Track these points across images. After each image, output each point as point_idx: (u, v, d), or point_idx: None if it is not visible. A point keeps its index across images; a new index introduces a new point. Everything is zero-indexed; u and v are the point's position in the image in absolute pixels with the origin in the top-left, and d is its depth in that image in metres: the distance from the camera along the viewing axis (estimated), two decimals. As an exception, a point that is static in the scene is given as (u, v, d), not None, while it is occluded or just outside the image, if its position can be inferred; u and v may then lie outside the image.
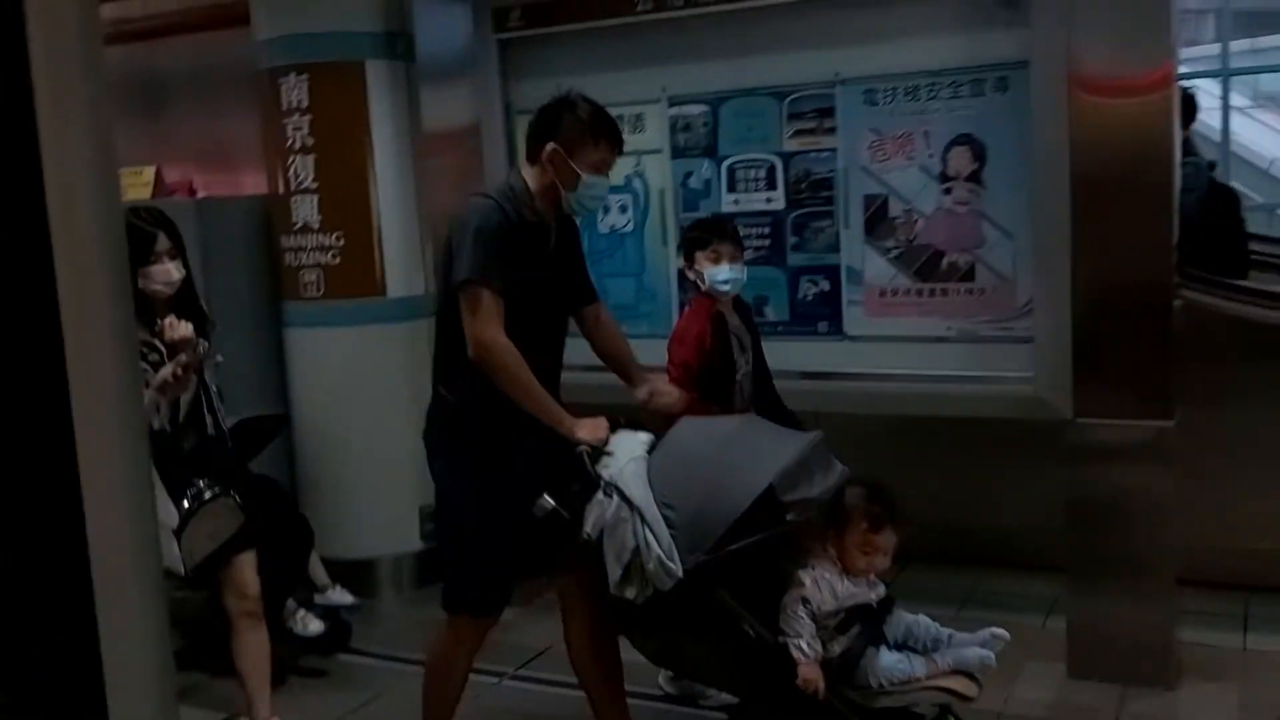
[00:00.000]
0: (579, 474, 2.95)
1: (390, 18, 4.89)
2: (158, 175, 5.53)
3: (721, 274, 3.65)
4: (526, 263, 3.05)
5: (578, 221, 3.39)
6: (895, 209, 4.16)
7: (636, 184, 4.65)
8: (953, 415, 4.09)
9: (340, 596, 4.49)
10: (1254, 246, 5.69)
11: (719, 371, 3.63)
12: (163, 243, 3.43)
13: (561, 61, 4.66)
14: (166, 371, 3.27)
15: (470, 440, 3.09)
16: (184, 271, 3.48)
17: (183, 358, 3.30)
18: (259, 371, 5.09)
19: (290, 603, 4.31)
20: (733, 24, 4.30)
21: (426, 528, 5.09)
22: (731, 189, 4.46)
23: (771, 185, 4.39)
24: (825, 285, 4.33)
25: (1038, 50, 3.78)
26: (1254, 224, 11.03)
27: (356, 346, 4.96)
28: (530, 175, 3.14)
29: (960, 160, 4.02)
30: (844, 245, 4.27)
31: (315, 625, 4.32)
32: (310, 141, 4.85)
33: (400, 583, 5.03)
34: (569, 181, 3.09)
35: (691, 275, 3.74)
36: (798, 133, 4.31)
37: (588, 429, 3.00)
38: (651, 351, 4.59)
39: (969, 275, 4.06)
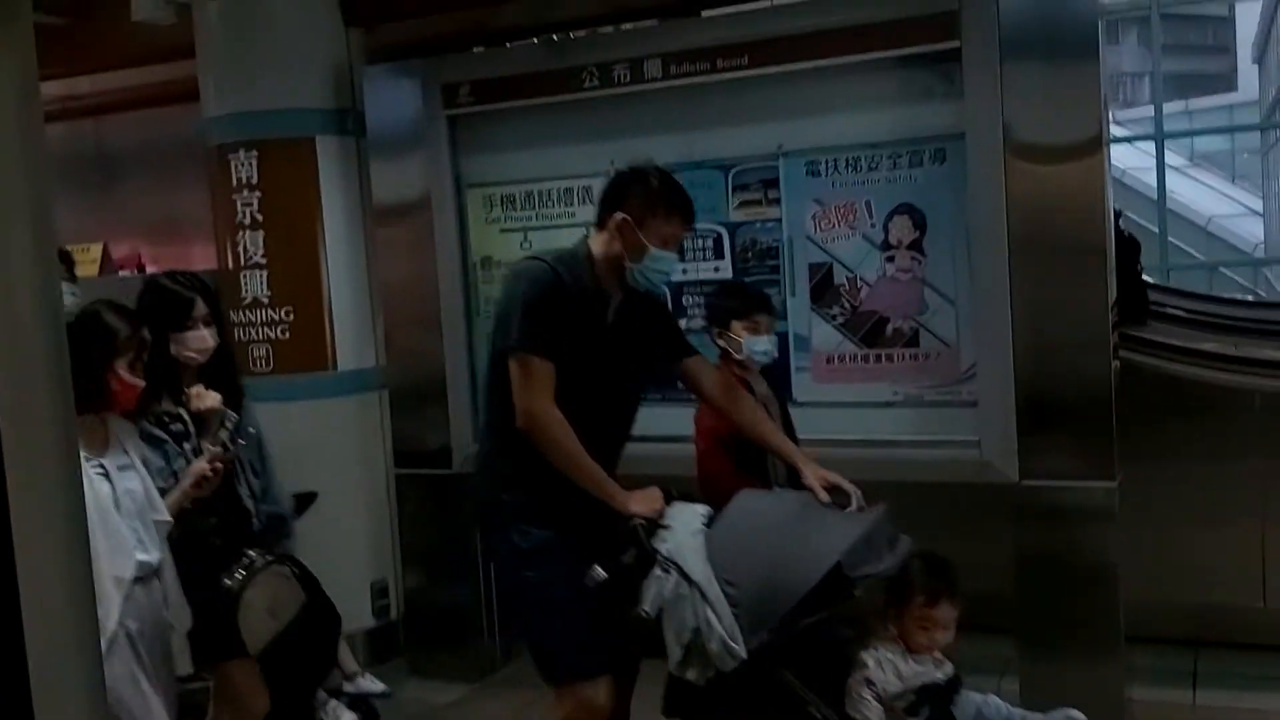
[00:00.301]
0: (634, 548, 2.85)
1: (340, 94, 4.94)
2: (105, 252, 5.51)
3: (761, 345, 3.62)
4: (580, 331, 2.98)
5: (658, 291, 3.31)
6: (840, 277, 4.23)
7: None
8: (901, 480, 4.13)
9: (370, 684, 4.28)
10: (1190, 305, 5.83)
11: (749, 441, 3.46)
12: (200, 308, 3.33)
13: (511, 136, 4.73)
14: (203, 466, 3.14)
15: (527, 505, 3.02)
16: (219, 339, 3.38)
17: (217, 449, 3.16)
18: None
19: (321, 693, 4.03)
20: (678, 99, 4.38)
21: (379, 604, 5.04)
22: (680, 258, 4.51)
23: (719, 254, 4.46)
24: (774, 352, 4.36)
25: (973, 122, 3.88)
26: (1193, 282, 11.34)
27: (307, 421, 4.92)
28: (597, 242, 3.08)
29: (901, 229, 4.10)
30: (790, 312, 4.33)
31: (348, 717, 4.04)
32: (260, 217, 4.86)
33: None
34: (635, 253, 3.03)
35: (722, 343, 3.66)
36: (743, 203, 4.39)
37: (641, 501, 2.92)
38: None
39: (913, 341, 4.13)
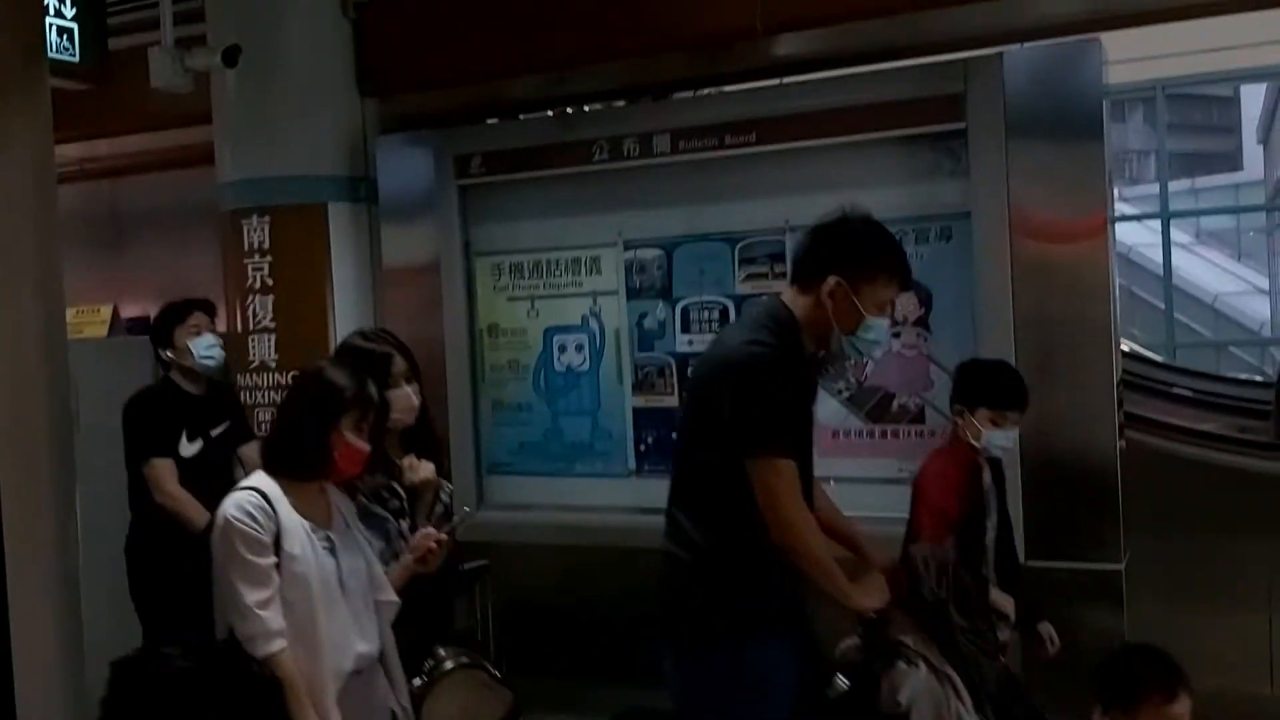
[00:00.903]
0: (871, 642, 2.67)
1: (354, 162, 5.00)
2: (114, 313, 5.55)
3: (1001, 439, 3.33)
4: (802, 411, 2.72)
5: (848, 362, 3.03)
6: (846, 351, 4.24)
7: (593, 324, 4.72)
8: (906, 556, 4.10)
9: None
10: (1197, 385, 5.82)
11: (968, 531, 3.24)
12: (399, 364, 3.07)
13: (521, 205, 4.78)
14: (432, 537, 2.85)
15: (754, 620, 2.66)
16: (422, 397, 3.10)
17: (454, 521, 2.90)
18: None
19: None
20: (686, 172, 4.44)
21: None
22: (685, 330, 4.53)
23: (724, 326, 4.47)
24: (779, 425, 4.37)
25: (979, 200, 3.92)
26: (1201, 360, 11.34)
27: (310, 485, 4.91)
28: (799, 306, 2.72)
29: (907, 305, 4.11)
30: (797, 386, 4.32)
31: None
32: (270, 282, 4.90)
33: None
34: (849, 321, 2.69)
35: (960, 422, 3.37)
36: (749, 276, 4.41)
37: (873, 593, 2.70)
38: (606, 490, 4.61)
39: (919, 418, 4.13)
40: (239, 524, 2.57)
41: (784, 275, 4.33)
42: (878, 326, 2.73)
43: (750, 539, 2.61)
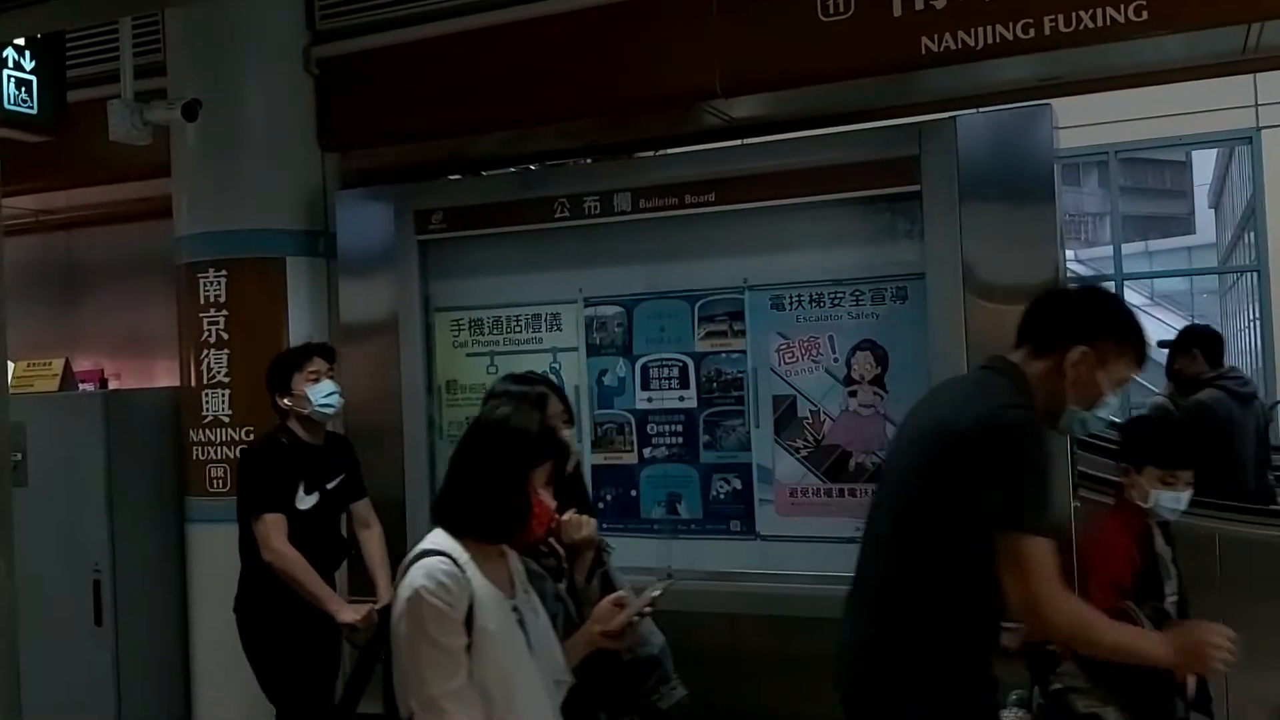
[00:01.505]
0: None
1: (312, 217, 4.99)
2: (66, 366, 5.47)
3: (1172, 501, 3.19)
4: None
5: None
6: (803, 410, 4.25)
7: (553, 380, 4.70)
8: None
9: None
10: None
11: (1146, 601, 3.08)
12: (554, 406, 2.86)
13: (481, 261, 4.78)
14: (632, 610, 2.55)
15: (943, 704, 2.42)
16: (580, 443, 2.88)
17: (654, 593, 2.59)
18: (157, 569, 4.96)
19: None
20: (646, 231, 4.46)
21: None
22: (645, 387, 4.53)
23: (684, 384, 4.47)
24: (737, 484, 4.37)
25: (933, 262, 3.97)
26: (1156, 419, 11.41)
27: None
28: (1032, 371, 2.48)
29: (863, 364, 4.14)
30: (755, 444, 4.33)
31: None
32: (225, 336, 4.86)
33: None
34: (1086, 396, 2.46)
35: (1126, 483, 3.26)
36: (709, 334, 4.43)
37: (1186, 642, 2.43)
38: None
39: (876, 477, 4.12)
40: (431, 598, 2.24)
41: (742, 333, 4.37)
42: (1111, 406, 2.52)
43: (967, 633, 2.40)
